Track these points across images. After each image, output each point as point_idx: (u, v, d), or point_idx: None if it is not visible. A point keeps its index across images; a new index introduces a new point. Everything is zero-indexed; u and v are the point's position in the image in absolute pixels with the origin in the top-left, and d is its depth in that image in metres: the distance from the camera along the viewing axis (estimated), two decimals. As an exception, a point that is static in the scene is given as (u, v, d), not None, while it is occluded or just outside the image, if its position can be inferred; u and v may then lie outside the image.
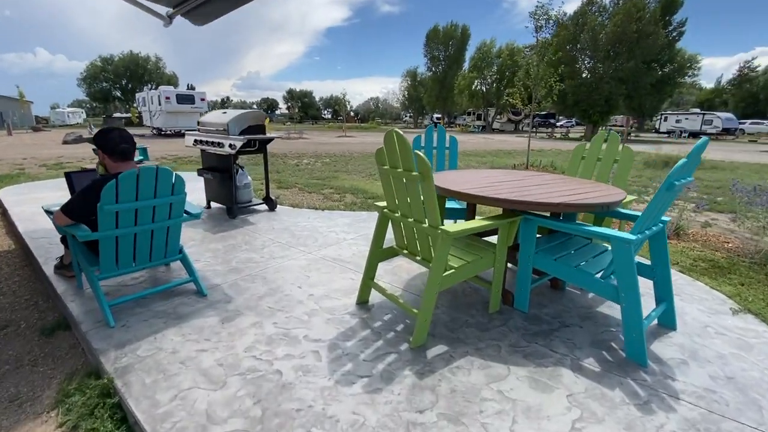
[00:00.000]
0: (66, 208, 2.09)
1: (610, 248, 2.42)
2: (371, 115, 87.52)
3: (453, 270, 2.02)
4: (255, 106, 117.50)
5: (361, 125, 57.01)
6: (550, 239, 2.46)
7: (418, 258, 2.17)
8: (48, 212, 2.36)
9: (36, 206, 4.53)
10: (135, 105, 25.91)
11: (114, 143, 2.18)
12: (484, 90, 42.52)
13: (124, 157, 2.23)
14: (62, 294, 2.50)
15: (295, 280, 2.79)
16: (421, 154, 1.85)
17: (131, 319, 2.23)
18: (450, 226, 1.91)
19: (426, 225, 1.98)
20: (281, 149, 15.49)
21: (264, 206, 4.80)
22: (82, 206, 2.09)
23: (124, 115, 42.17)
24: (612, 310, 2.42)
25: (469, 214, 2.71)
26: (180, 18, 4.53)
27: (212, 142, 4.18)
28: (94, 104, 55.86)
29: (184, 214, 2.50)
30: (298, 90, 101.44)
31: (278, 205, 4.94)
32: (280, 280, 2.78)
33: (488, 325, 2.20)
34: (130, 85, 49.61)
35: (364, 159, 12.62)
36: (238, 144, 3.89)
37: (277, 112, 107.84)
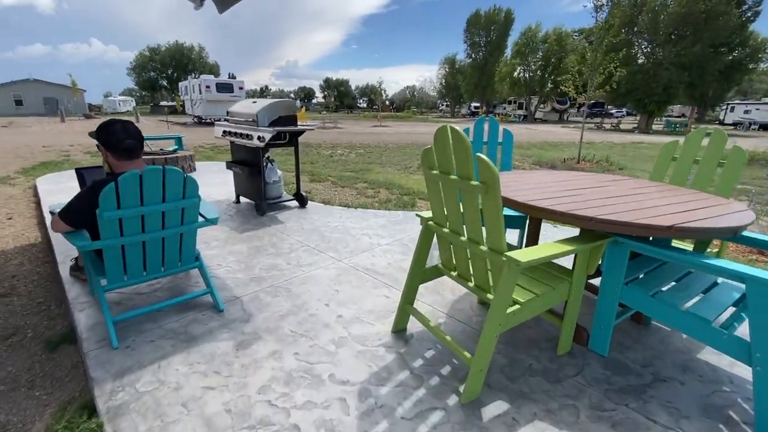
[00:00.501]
0: (63, 213, 1.84)
1: (719, 280, 1.88)
2: (407, 103, 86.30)
3: (518, 306, 1.58)
4: (292, 95, 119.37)
5: (396, 114, 56.29)
6: (638, 266, 1.95)
7: (471, 284, 1.74)
8: (52, 214, 2.14)
9: (68, 197, 4.49)
10: (179, 94, 26.80)
11: (117, 139, 1.89)
12: (528, 77, 40.46)
13: (129, 154, 1.94)
14: (72, 301, 2.30)
15: (323, 294, 2.45)
16: (486, 158, 1.41)
17: (138, 339, 1.97)
18: (519, 252, 1.47)
19: (485, 248, 1.55)
20: (315, 139, 15.32)
21: (294, 202, 4.51)
22: (80, 211, 1.83)
23: (170, 103, 43.90)
24: (719, 357, 1.89)
25: (531, 228, 2.24)
26: (221, 6, 4.32)
27: (241, 134, 3.91)
28: (143, 93, 58.66)
29: (200, 219, 2.20)
30: (334, 79, 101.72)
31: (309, 201, 4.63)
32: (305, 295, 2.44)
33: (559, 374, 1.75)
34: (175, 74, 51.55)
35: (399, 150, 12.17)
36: (267, 136, 3.58)
37: (314, 101, 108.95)
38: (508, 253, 1.45)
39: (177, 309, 2.25)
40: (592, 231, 1.73)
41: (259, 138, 3.64)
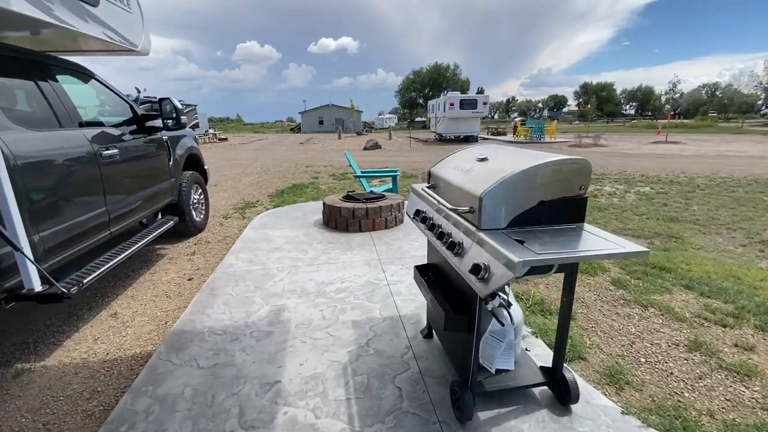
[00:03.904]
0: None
1: None
2: (702, 107, 64.35)
3: None
4: (540, 105, 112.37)
5: (683, 122, 42.24)
6: None
7: None
8: None
9: (252, 258, 3.55)
10: (427, 111, 28.40)
11: None
12: None
13: None
14: None
15: None
16: None
17: None
18: None
19: None
20: (569, 164, 11.75)
21: (545, 390, 1.94)
22: None
23: (422, 119, 48.48)
24: None
25: None
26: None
27: (441, 233, 1.69)
28: (404, 111, 67.66)
29: None
30: (594, 83, 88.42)
31: (577, 380, 1.96)
32: None
33: None
34: (431, 93, 56.62)
35: (723, 192, 7.26)
36: (500, 275, 1.21)
37: (564, 109, 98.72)
38: None
39: None
40: None
41: (478, 274, 1.30)
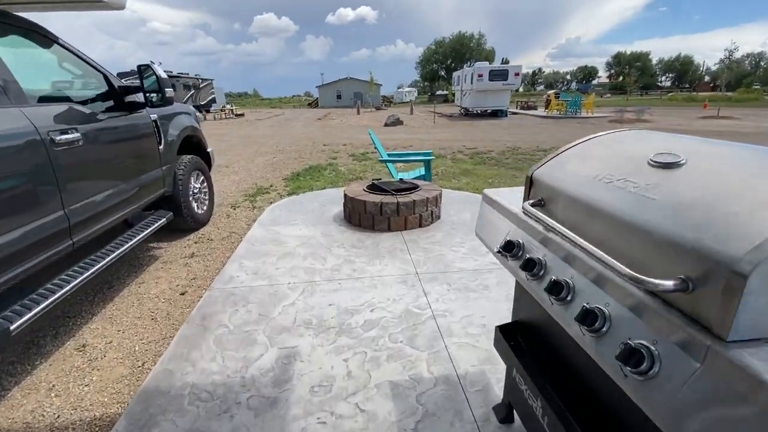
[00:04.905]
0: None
1: None
2: (746, 79, 59.24)
3: None
4: (569, 77, 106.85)
5: (727, 95, 38.92)
6: None
7: None
8: None
9: (258, 268, 2.80)
10: (452, 84, 26.81)
11: None
12: None
13: None
14: None
15: None
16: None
17: None
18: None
19: None
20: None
21: None
22: None
23: (444, 92, 46.45)
24: None
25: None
26: None
27: (588, 310, 0.86)
28: (425, 84, 65.16)
29: None
30: (628, 53, 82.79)
31: None
32: None
33: None
34: (453, 64, 54.01)
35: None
36: None
37: (594, 81, 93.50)
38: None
39: None
40: None
41: None
